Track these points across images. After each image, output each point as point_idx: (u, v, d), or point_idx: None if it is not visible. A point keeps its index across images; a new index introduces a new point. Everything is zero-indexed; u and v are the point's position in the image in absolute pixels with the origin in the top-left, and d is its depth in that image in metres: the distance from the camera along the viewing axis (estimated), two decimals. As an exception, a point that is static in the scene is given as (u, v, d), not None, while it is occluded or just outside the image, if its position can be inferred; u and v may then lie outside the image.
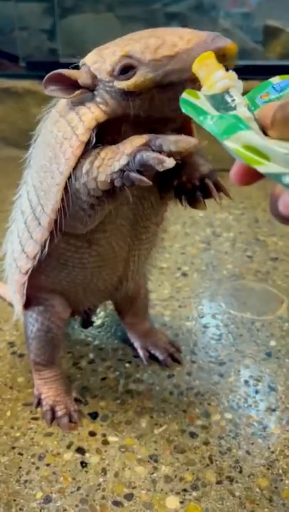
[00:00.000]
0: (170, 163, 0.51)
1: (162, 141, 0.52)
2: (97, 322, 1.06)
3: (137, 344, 0.96)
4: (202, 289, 1.18)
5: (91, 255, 0.70)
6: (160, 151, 0.52)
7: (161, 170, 0.52)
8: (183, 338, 1.01)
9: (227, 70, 0.48)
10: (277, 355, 0.95)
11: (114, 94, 0.55)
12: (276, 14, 2.20)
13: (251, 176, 0.40)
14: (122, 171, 0.55)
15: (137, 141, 0.54)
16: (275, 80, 0.45)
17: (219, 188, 0.62)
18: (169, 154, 0.52)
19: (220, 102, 0.44)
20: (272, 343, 0.99)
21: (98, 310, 0.98)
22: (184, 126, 0.62)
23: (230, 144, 0.39)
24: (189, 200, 0.63)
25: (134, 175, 0.54)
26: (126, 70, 0.54)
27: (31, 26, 2.19)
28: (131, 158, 0.54)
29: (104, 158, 0.56)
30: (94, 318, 0.99)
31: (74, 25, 2.11)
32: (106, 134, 0.58)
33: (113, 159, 0.55)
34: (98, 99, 0.57)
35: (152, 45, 0.52)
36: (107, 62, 0.55)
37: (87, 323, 0.97)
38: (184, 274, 1.24)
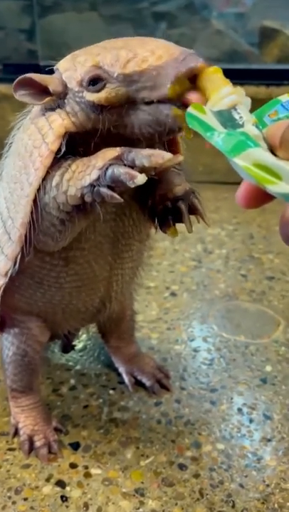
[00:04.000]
0: (141, 179, 0.53)
1: (135, 156, 0.54)
2: (79, 345, 1.09)
3: (121, 369, 0.99)
4: (192, 310, 1.22)
5: (68, 274, 0.71)
6: (132, 166, 0.54)
7: (133, 186, 0.54)
8: (171, 362, 1.05)
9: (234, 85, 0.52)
10: (273, 382, 0.99)
11: (84, 105, 0.58)
12: (273, 14, 2.26)
13: (259, 198, 0.43)
14: (92, 185, 0.57)
15: (109, 154, 0.56)
16: (284, 97, 0.47)
17: (195, 210, 0.65)
18: (142, 170, 0.54)
19: (227, 118, 0.47)
20: (268, 368, 1.03)
21: (80, 332, 1.01)
22: (171, 141, 0.64)
23: (240, 161, 0.41)
24: (160, 224, 0.66)
25: (104, 190, 0.56)
26: (95, 81, 0.56)
27: (8, 26, 2.22)
28: (102, 172, 0.56)
29: (74, 171, 0.59)
30: (75, 342, 1.03)
31: (55, 25, 2.16)
32: (77, 145, 0.61)
33: (84, 173, 0.58)
34: (68, 109, 0.60)
35: (123, 57, 0.55)
36: (78, 72, 0.58)
37: (67, 347, 1.00)
38: (173, 294, 1.29)
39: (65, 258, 0.69)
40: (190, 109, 0.49)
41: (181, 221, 0.64)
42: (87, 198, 0.58)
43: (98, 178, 0.56)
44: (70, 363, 1.05)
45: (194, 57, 0.52)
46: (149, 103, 0.55)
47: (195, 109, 0.49)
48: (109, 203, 0.58)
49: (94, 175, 0.57)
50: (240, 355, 1.07)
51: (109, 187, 0.56)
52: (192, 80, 0.52)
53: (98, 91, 0.56)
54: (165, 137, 0.57)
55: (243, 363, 1.04)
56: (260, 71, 2.06)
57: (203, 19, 2.39)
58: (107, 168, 0.56)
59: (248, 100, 0.50)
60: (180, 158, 0.57)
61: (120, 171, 0.55)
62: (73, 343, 1.01)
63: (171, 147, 0.65)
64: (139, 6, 2.30)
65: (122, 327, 0.97)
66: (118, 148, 0.56)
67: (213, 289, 1.31)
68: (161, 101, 0.54)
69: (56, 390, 0.98)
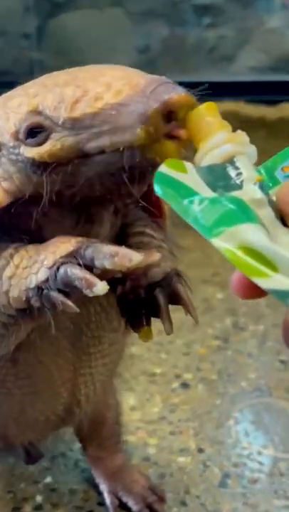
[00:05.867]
0: (101, 289, 0.53)
1: (94, 253, 0.55)
2: (50, 448, 1.10)
3: (103, 487, 1.00)
4: (208, 408, 1.22)
5: (18, 377, 0.73)
6: (91, 266, 0.54)
7: (91, 295, 0.54)
8: (170, 480, 1.05)
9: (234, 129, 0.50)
10: (308, 517, 0.98)
11: (22, 164, 0.58)
12: None
13: (259, 288, 0.40)
14: (39, 288, 0.57)
15: (61, 248, 0.57)
16: None
17: (178, 300, 0.63)
18: (104, 272, 0.54)
19: (219, 176, 0.45)
20: (302, 496, 1.01)
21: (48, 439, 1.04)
22: (151, 200, 0.64)
23: (221, 242, 0.40)
24: (130, 319, 0.65)
25: (55, 295, 0.56)
26: (35, 131, 0.57)
27: (7, 30, 2.29)
28: (52, 272, 0.56)
29: (18, 266, 0.60)
30: (42, 449, 1.05)
31: (67, 26, 2.23)
32: (18, 216, 0.61)
33: (29, 269, 0.58)
34: (0, 172, 0.60)
35: (69, 97, 0.55)
36: (11, 121, 0.59)
37: (32, 457, 1.00)
38: (184, 385, 1.30)
39: (13, 359, 0.71)
40: (162, 168, 0.47)
41: (157, 315, 0.63)
42: (35, 303, 0.59)
43: (47, 280, 0.57)
44: (39, 474, 1.07)
45: (168, 87, 0.52)
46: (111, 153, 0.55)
47: (169, 167, 0.47)
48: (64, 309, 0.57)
49: (41, 275, 0.57)
50: (264, 474, 1.06)
51: (61, 290, 0.56)
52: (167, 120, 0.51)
53: (39, 144, 0.57)
54: (137, 186, 0.57)
55: (268, 487, 1.04)
56: None
57: (256, 13, 2.42)
58: (58, 267, 0.56)
59: (253, 150, 0.48)
60: (156, 256, 0.58)
61: (74, 273, 0.55)
62: (39, 452, 1.01)
63: (152, 207, 0.65)
64: (175, -1, 2.37)
65: (102, 433, 0.99)
66: (73, 241, 0.57)
67: (239, 379, 1.31)
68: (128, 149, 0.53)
69: (17, 509, 1.00)
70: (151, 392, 1.27)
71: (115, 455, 1.03)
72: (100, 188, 0.58)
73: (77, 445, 1.09)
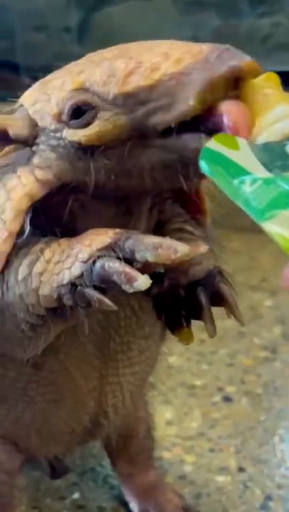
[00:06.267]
0: (143, 283, 0.51)
1: (135, 245, 0.52)
2: (78, 462, 1.10)
3: (133, 505, 0.99)
4: (251, 423, 1.19)
5: (40, 384, 0.71)
6: (131, 260, 0.52)
7: (131, 291, 0.51)
8: (208, 501, 1.03)
9: None
10: None
11: (64, 150, 0.56)
12: None
13: None
14: (73, 284, 0.55)
15: (97, 240, 0.54)
16: None
17: (221, 301, 0.61)
18: (145, 266, 0.51)
19: (277, 154, 0.44)
20: None
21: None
22: (190, 195, 0.64)
23: (273, 227, 0.38)
24: (168, 322, 0.63)
25: (90, 292, 0.53)
26: (81, 111, 0.54)
27: (49, 24, 2.33)
28: (87, 267, 0.53)
29: (49, 262, 0.57)
30: (68, 462, 1.04)
31: (112, 20, 2.24)
32: (52, 206, 0.59)
33: (62, 264, 0.56)
34: (37, 160, 0.58)
35: (120, 70, 0.52)
36: (53, 101, 0.56)
37: (57, 472, 1.00)
38: (227, 399, 1.27)
39: (36, 364, 0.69)
40: (211, 144, 0.45)
41: (199, 317, 0.61)
42: (67, 301, 0.56)
43: (82, 275, 0.54)
44: (66, 489, 1.06)
45: (234, 54, 0.49)
46: (166, 134, 0.51)
47: (219, 143, 0.45)
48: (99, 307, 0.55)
49: (76, 270, 0.55)
50: (310, 499, 1.03)
51: (97, 287, 0.54)
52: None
53: (86, 125, 0.54)
54: (187, 183, 0.54)
55: (314, 512, 1.01)
56: None
57: None
58: (94, 261, 0.53)
59: None
60: (203, 248, 0.56)
61: (113, 267, 0.52)
62: (65, 466, 1.01)
63: (192, 203, 0.65)
64: (228, -13, 2.29)
65: (132, 448, 0.97)
66: (110, 232, 0.54)
67: (287, 393, 1.28)
68: (183, 125, 0.50)
69: (42, 526, 0.99)
70: (190, 406, 1.25)
71: (146, 472, 1.01)
72: (151, 182, 0.55)
73: (108, 460, 1.07)
